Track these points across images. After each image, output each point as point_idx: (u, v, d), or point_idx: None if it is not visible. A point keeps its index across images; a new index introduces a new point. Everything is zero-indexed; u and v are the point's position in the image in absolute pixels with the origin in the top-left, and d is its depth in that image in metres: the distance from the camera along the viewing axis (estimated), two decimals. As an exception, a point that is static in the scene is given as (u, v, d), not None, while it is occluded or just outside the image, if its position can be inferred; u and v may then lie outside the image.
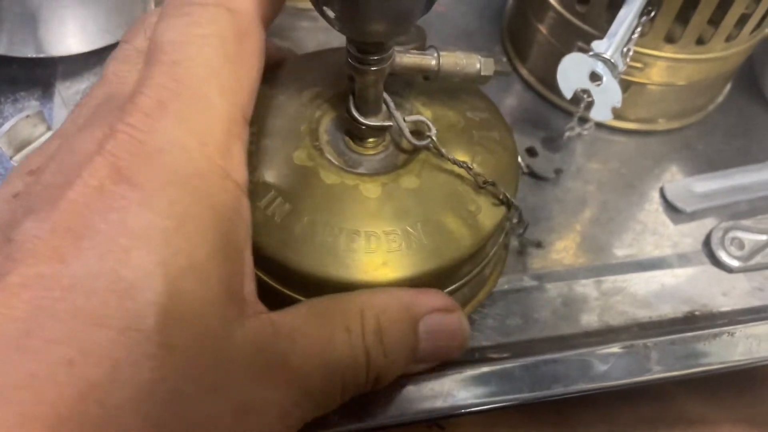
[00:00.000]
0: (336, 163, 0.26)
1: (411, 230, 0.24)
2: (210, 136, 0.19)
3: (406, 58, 0.25)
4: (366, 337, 0.22)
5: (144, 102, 0.19)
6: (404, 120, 0.26)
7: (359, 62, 0.23)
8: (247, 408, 0.19)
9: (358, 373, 0.22)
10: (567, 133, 0.39)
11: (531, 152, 0.39)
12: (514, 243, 0.36)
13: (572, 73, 0.34)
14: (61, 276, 0.16)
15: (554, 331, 0.34)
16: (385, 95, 0.26)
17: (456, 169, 0.26)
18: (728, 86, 0.44)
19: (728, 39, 0.37)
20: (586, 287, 0.35)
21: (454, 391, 0.28)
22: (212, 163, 0.19)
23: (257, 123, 0.26)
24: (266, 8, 0.21)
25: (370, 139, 0.27)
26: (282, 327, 0.21)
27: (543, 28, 0.41)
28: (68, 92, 0.40)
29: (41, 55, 0.38)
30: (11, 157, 0.30)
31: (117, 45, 0.40)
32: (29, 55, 0.38)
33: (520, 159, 0.38)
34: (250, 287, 0.21)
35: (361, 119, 0.25)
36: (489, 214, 0.26)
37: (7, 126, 0.30)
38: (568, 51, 0.39)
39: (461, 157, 0.26)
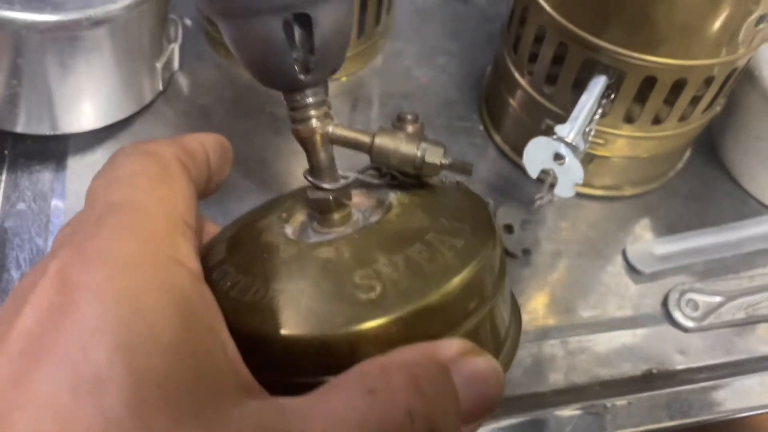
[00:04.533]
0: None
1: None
2: (152, 230, 0.20)
3: (341, 130, 0.25)
4: (399, 393, 0.19)
5: (83, 228, 0.20)
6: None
7: (318, 117, 0.24)
8: None
9: None
10: (538, 202, 0.42)
11: (509, 229, 0.42)
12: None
13: (537, 155, 0.38)
14: (18, 397, 0.16)
15: (525, 389, 0.37)
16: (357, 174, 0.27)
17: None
18: (688, 152, 0.48)
19: (682, 119, 0.41)
20: (554, 347, 0.39)
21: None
22: (160, 251, 0.20)
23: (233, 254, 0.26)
24: (187, 158, 0.24)
25: (335, 216, 0.27)
26: (290, 407, 0.19)
27: (515, 103, 0.45)
28: (80, 165, 0.43)
29: (57, 133, 0.42)
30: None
31: (127, 120, 0.44)
32: (45, 133, 0.42)
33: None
34: (244, 372, 0.20)
35: (316, 182, 0.26)
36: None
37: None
38: (538, 126, 0.43)
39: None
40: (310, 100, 0.24)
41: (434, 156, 0.25)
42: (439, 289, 0.22)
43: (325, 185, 0.26)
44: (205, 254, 0.26)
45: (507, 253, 0.42)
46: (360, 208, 0.28)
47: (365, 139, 0.25)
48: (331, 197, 0.26)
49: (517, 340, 0.26)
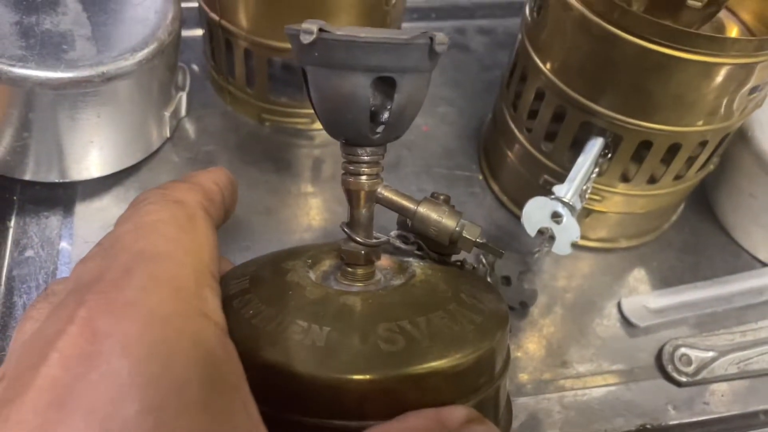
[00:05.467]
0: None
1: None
2: (182, 283, 0.20)
3: (389, 192, 0.27)
4: None
5: (111, 274, 0.20)
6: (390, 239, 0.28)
7: (369, 176, 0.26)
8: None
9: None
10: (536, 255, 0.43)
11: (507, 280, 0.43)
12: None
13: (535, 214, 0.39)
14: None
15: (521, 443, 0.38)
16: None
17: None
18: (682, 206, 0.49)
19: (677, 178, 0.42)
20: (550, 401, 0.39)
21: None
22: (189, 305, 0.20)
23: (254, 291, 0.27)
24: (208, 203, 0.25)
25: (359, 271, 0.28)
26: None
27: (512, 157, 0.46)
28: (87, 211, 0.44)
29: (65, 180, 0.43)
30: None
31: (134, 167, 0.45)
32: (54, 180, 0.43)
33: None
34: (262, 430, 0.20)
35: (352, 234, 0.27)
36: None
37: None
38: (536, 180, 0.44)
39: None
40: (367, 157, 0.26)
41: (471, 233, 0.27)
42: (458, 356, 0.24)
43: (360, 239, 0.27)
44: (223, 284, 0.27)
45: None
46: (382, 270, 0.29)
47: (410, 205, 0.27)
48: (362, 252, 0.27)
49: (509, 426, 0.28)
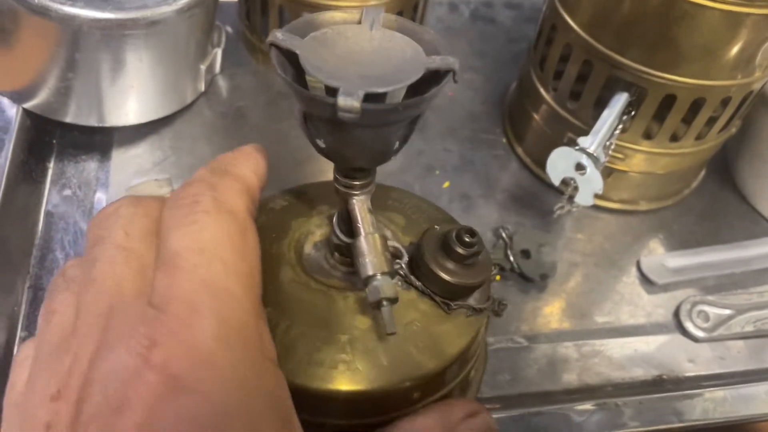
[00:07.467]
0: (316, 276, 0.29)
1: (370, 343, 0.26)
2: (245, 327, 0.21)
3: (359, 208, 0.26)
4: None
5: (177, 309, 0.20)
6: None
7: (344, 186, 0.26)
8: None
9: None
10: (557, 211, 0.44)
11: (526, 254, 0.43)
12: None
13: (560, 163, 0.40)
14: None
15: (539, 387, 0.38)
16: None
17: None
18: (702, 172, 0.50)
19: (698, 137, 0.43)
20: (568, 349, 0.40)
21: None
22: (253, 351, 0.21)
23: None
24: (252, 206, 0.24)
25: (349, 258, 0.28)
26: None
27: (538, 117, 0.47)
28: (123, 157, 0.46)
29: (103, 125, 0.44)
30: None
31: (169, 118, 0.46)
32: (93, 125, 0.44)
33: (512, 258, 0.43)
34: None
35: (342, 237, 0.28)
36: (457, 335, 0.28)
37: (135, 182, 0.41)
38: (560, 139, 0.45)
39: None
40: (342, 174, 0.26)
41: (380, 292, 0.25)
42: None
43: (340, 235, 0.28)
44: None
45: (525, 278, 0.43)
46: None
47: (361, 229, 0.26)
48: (342, 244, 0.28)
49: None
